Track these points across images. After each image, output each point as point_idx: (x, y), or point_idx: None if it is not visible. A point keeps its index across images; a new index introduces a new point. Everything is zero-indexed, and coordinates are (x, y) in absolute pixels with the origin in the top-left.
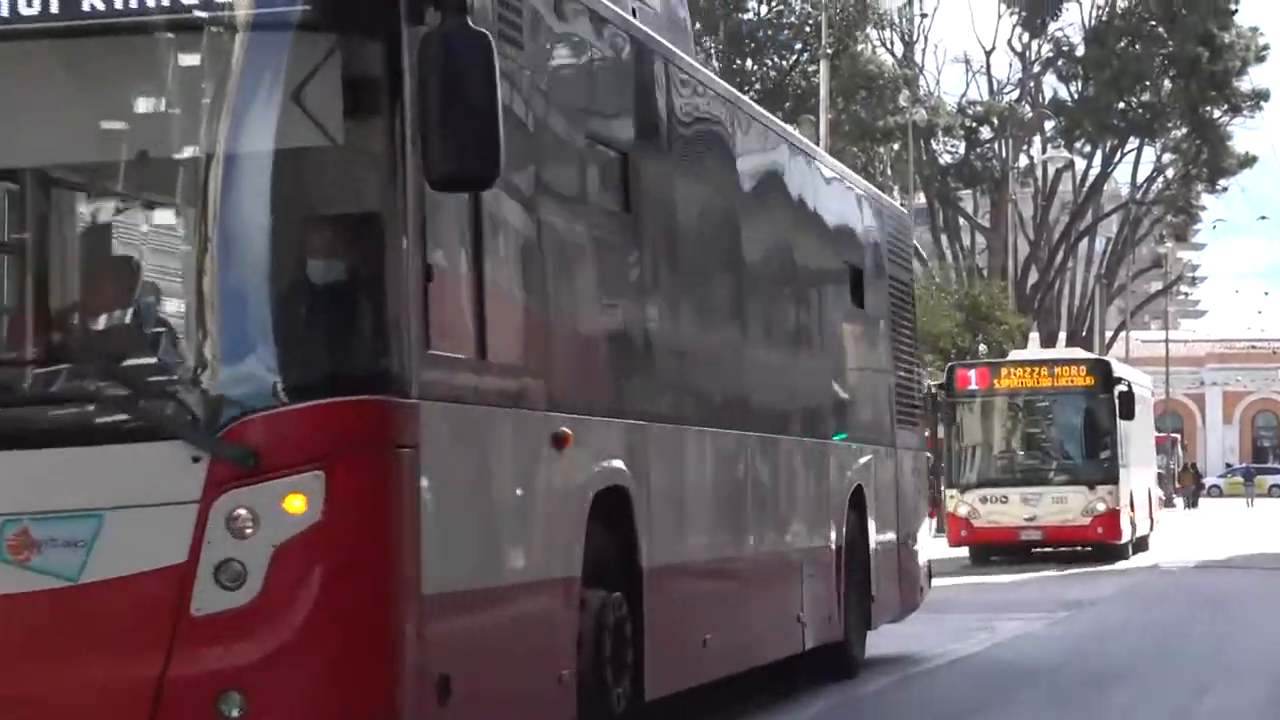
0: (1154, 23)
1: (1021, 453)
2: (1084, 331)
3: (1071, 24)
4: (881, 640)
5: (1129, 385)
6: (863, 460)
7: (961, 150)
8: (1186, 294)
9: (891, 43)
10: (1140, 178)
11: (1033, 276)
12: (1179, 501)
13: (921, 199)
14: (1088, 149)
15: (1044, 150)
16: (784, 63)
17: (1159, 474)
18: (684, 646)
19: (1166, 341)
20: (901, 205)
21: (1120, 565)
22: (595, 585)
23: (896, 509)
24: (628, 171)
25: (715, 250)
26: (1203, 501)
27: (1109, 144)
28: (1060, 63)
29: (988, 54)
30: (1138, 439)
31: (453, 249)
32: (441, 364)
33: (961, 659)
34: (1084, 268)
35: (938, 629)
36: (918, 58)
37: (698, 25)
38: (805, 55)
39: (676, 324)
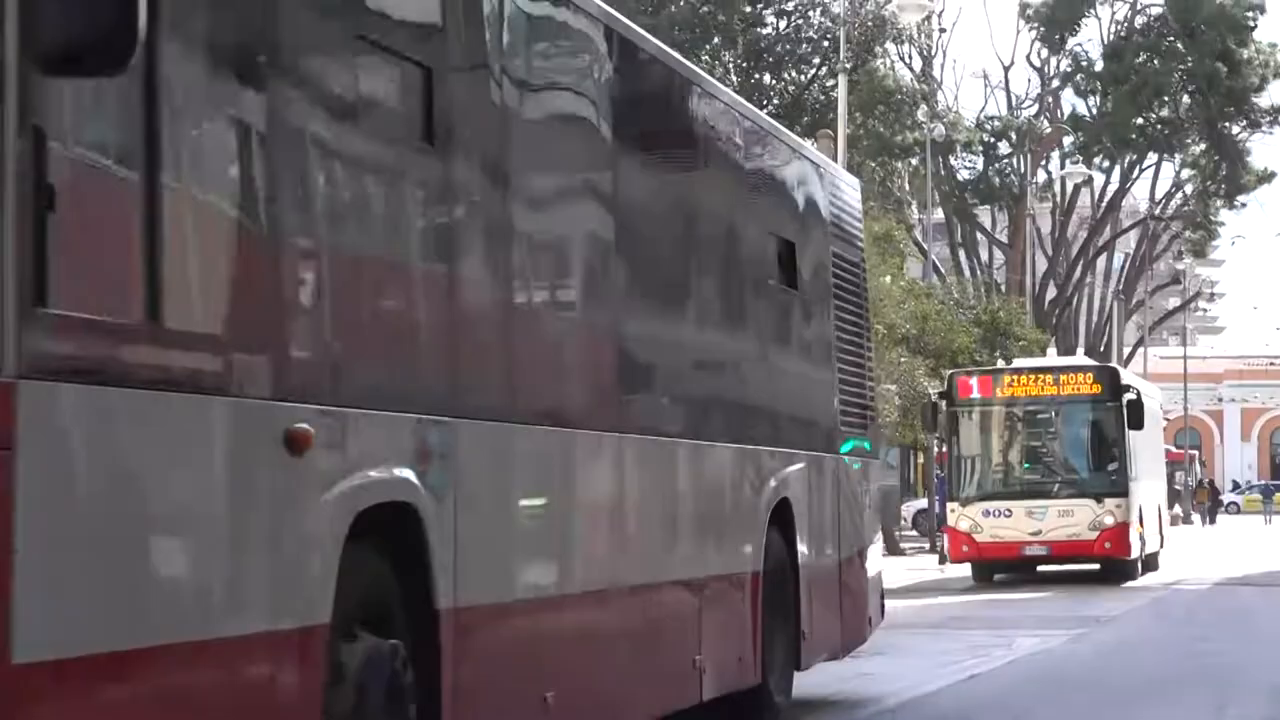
0: (1172, 38)
1: (1025, 464)
2: (1102, 347)
3: (1090, 39)
4: (880, 663)
5: (1138, 394)
6: (790, 469)
7: (980, 166)
8: (1205, 310)
9: (910, 58)
10: (1159, 193)
11: (1051, 292)
12: (1196, 518)
13: (940, 214)
14: (1106, 164)
15: (1062, 166)
16: (802, 77)
17: (1176, 490)
18: (509, 708)
19: (1185, 358)
20: (919, 221)
21: (1131, 585)
22: (360, 633)
23: (837, 526)
24: (431, 90)
25: (565, 202)
26: (1220, 518)
27: (1127, 159)
28: (1079, 78)
29: (1006, 69)
30: (1147, 451)
31: (102, 164)
32: (68, 329)
33: (932, 693)
34: (1102, 283)
35: (950, 644)
36: (936, 73)
37: (716, 40)
38: (824, 70)
39: (502, 290)
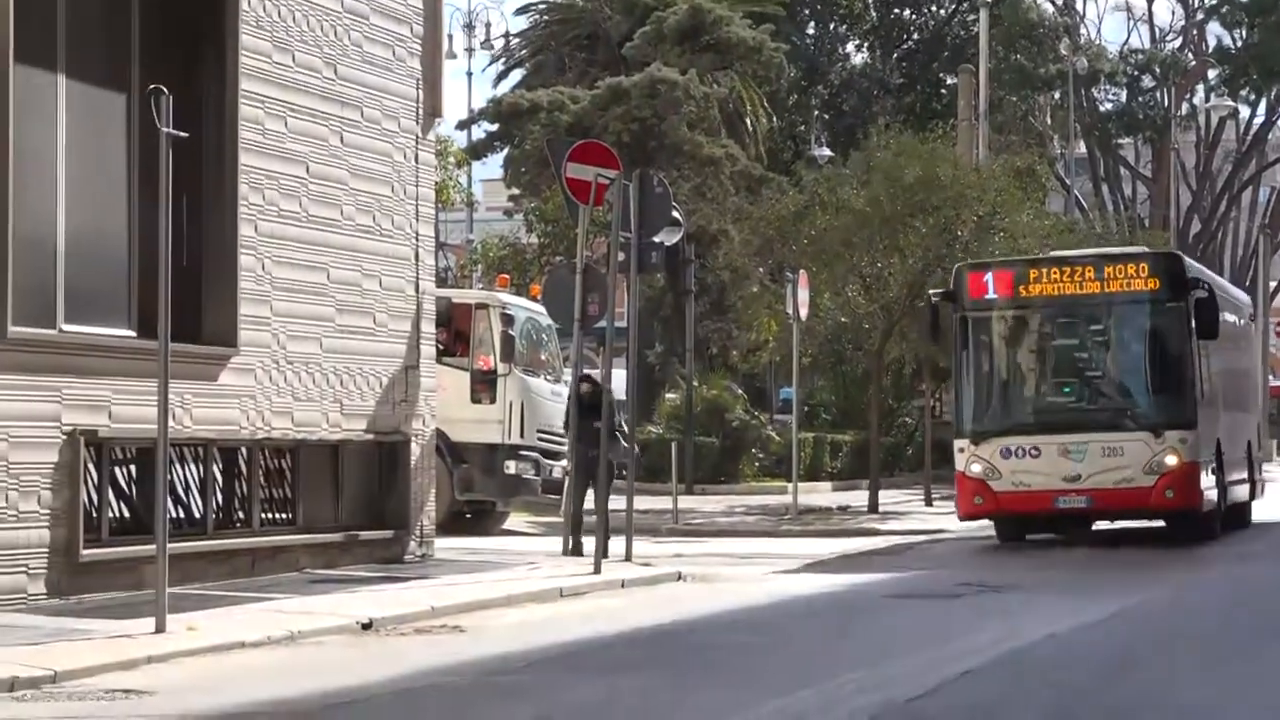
0: None
1: (1059, 387)
2: (1247, 281)
3: None
4: None
5: (1210, 290)
6: None
7: (1123, 99)
8: None
9: None
10: None
11: (1195, 226)
12: None
13: (1082, 148)
14: (1252, 97)
15: (1207, 98)
16: (943, 12)
17: None
18: None
19: None
20: (1061, 155)
21: (1208, 549)
22: None
23: None
24: None
25: None
26: None
27: (1274, 91)
28: (1224, 9)
29: (1150, 1)
30: (1231, 370)
31: None
32: None
33: None
34: (1247, 217)
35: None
36: (1078, 5)
37: None
38: (965, 4)
39: None
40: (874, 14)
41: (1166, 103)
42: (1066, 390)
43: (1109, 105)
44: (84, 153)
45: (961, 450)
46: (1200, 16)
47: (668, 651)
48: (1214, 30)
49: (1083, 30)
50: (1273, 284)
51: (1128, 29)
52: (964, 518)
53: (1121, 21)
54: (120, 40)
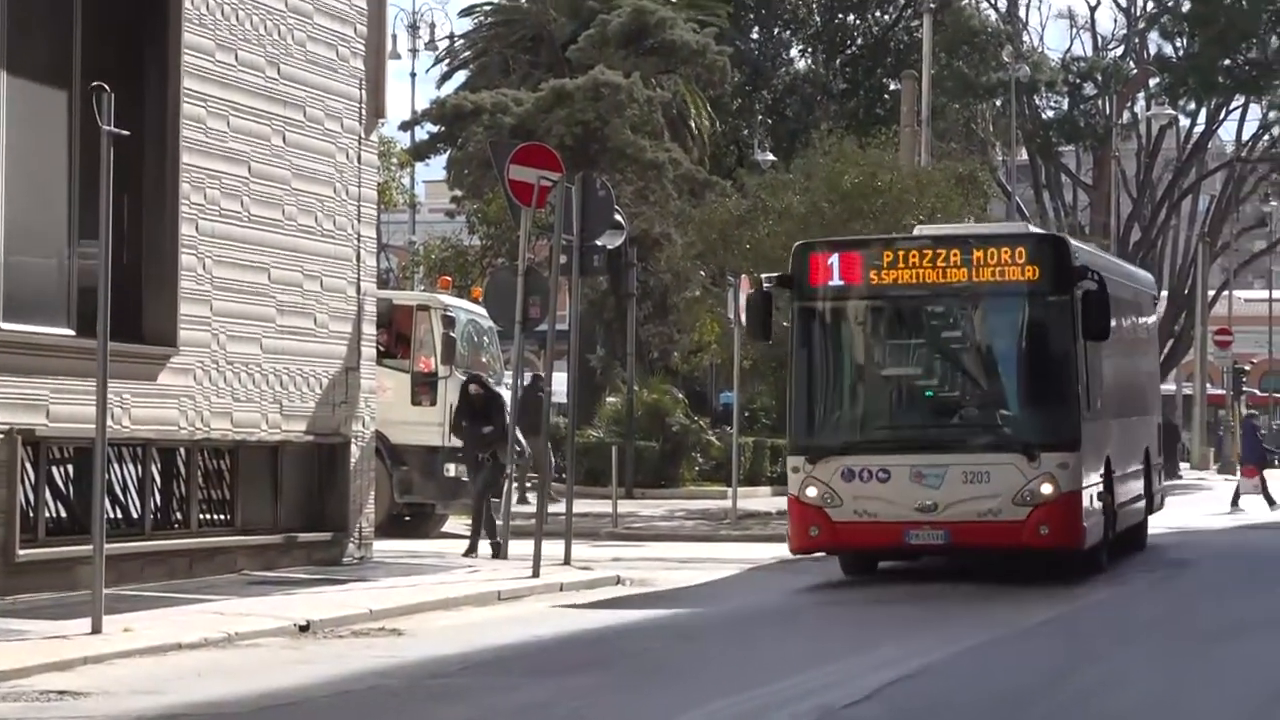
0: None
1: (914, 397)
2: (1186, 290)
3: None
4: None
5: (1100, 281)
6: None
7: (1064, 106)
8: None
9: None
10: (1245, 135)
11: (1135, 234)
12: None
13: (1023, 156)
14: (1192, 106)
15: (1148, 107)
16: (886, 17)
17: (1263, 435)
18: None
19: (1270, 301)
20: (1003, 162)
21: (1088, 585)
22: None
23: None
24: None
25: None
26: None
27: (1214, 101)
28: (1165, 19)
29: (1092, 9)
30: (1125, 368)
31: None
32: None
33: None
34: (1187, 226)
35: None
36: (1021, 13)
37: None
38: (909, 10)
39: None
40: (818, 19)
41: (1108, 111)
42: (923, 400)
43: (1050, 113)
44: (23, 150)
45: (795, 470)
46: (1142, 26)
47: (605, 655)
48: (1155, 39)
49: (1025, 37)
50: (1211, 292)
51: (1070, 37)
52: (797, 552)
53: (1064, 29)
54: (61, 37)
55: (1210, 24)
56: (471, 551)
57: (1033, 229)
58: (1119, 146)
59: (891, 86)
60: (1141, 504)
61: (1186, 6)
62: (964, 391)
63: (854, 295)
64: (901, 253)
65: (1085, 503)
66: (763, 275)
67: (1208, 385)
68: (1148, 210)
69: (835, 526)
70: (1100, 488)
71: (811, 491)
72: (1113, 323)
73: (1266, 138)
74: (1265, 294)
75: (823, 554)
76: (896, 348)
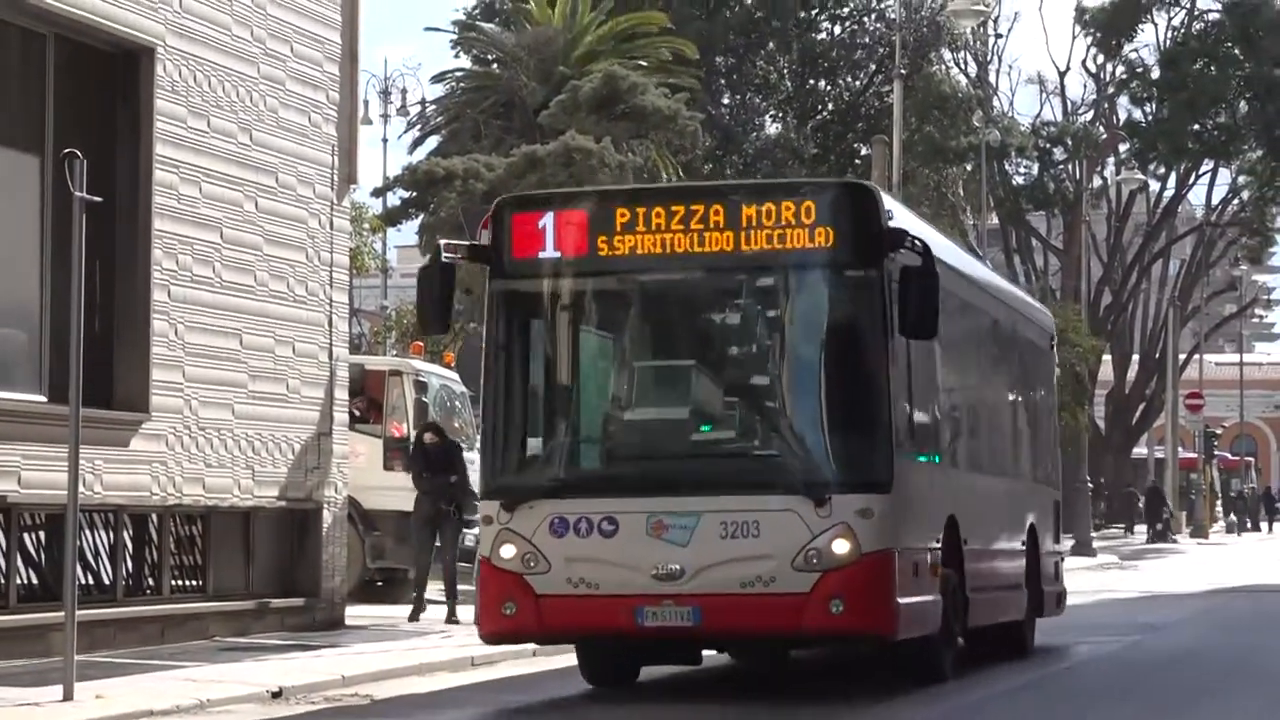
0: (1230, 44)
1: (653, 415)
2: (1157, 354)
3: (1146, 45)
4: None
5: (925, 251)
6: None
7: (1035, 171)
8: (1261, 316)
9: (965, 63)
10: (1215, 200)
11: (1106, 298)
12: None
13: (994, 220)
14: (1162, 171)
15: (1118, 172)
16: (857, 83)
17: (1234, 496)
18: None
19: (1240, 365)
20: (973, 226)
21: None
22: None
23: None
24: None
25: None
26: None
27: (1184, 166)
28: (1135, 84)
29: (1062, 75)
30: (988, 399)
31: None
32: None
33: None
34: (1158, 290)
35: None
36: (991, 78)
37: (771, 45)
38: (879, 76)
39: None
40: (789, 85)
41: (1078, 175)
42: (667, 421)
43: (1020, 178)
44: None
45: (488, 519)
46: (1111, 91)
47: None
48: (1124, 105)
49: (995, 102)
50: (1181, 356)
51: (1040, 102)
52: (489, 638)
53: (1034, 95)
54: (34, 103)
55: (1179, 90)
56: (451, 618)
57: (816, 179)
58: (1089, 211)
59: (862, 151)
60: (1020, 596)
61: (1156, 73)
62: (725, 408)
63: (574, 272)
64: (642, 211)
65: (903, 571)
66: (442, 241)
67: (1179, 449)
68: (1118, 274)
69: (540, 603)
70: (935, 556)
71: (509, 551)
72: (985, 345)
73: (1236, 202)
74: (1236, 358)
75: (532, 644)
76: (632, 346)
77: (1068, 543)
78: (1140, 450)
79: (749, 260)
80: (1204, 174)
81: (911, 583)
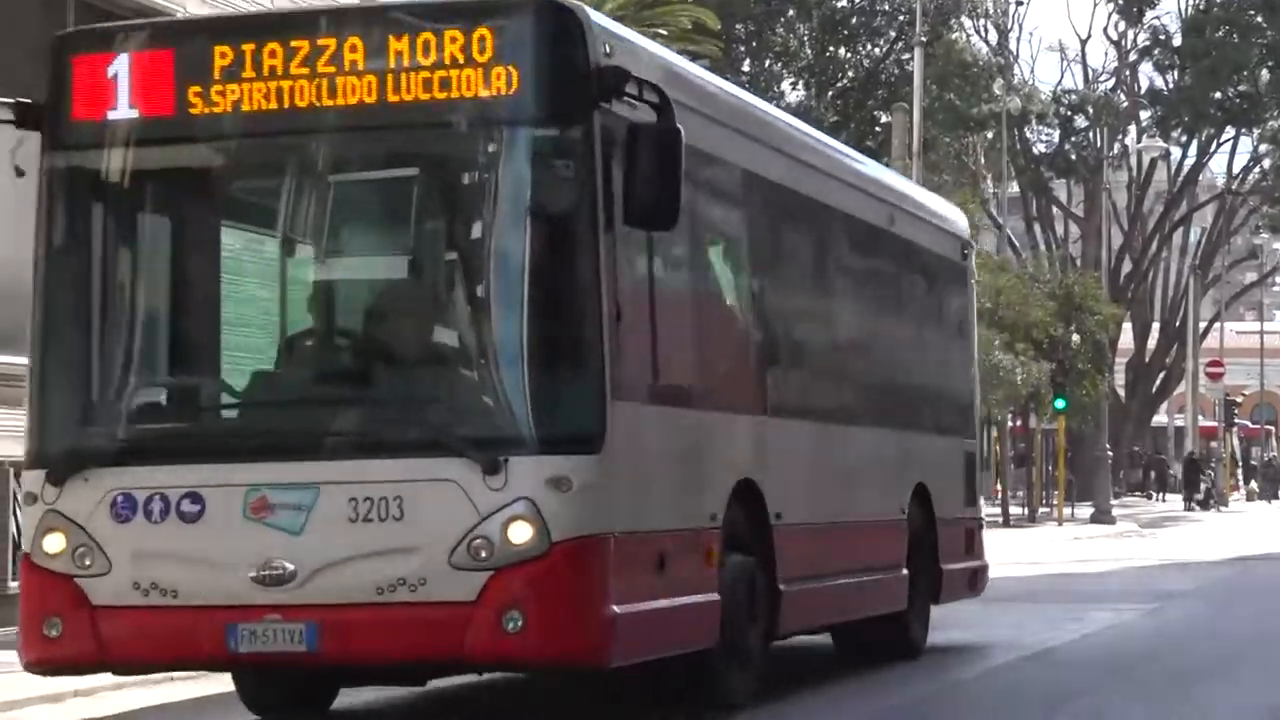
0: (1252, 12)
1: (260, 347)
2: (1177, 322)
3: (1169, 13)
4: None
5: (662, 101)
6: None
7: (1056, 139)
8: None
9: (986, 31)
10: (1236, 168)
11: (1126, 266)
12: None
13: (1015, 188)
14: (1183, 139)
15: (1139, 140)
16: (877, 50)
17: (1253, 466)
18: None
19: (1261, 333)
20: (994, 194)
21: None
22: None
23: None
24: None
25: None
26: None
27: (1205, 134)
28: (1157, 52)
29: (1083, 43)
30: (846, 335)
31: None
32: None
33: None
34: (1178, 258)
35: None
36: (1012, 46)
37: (791, 12)
38: (899, 43)
39: None
40: (809, 52)
41: (1099, 143)
42: (278, 355)
43: (1041, 146)
44: None
45: (32, 498)
46: (1133, 58)
47: None
48: (1146, 72)
49: (1016, 70)
50: (1202, 324)
51: (1061, 70)
52: (34, 668)
53: (1055, 62)
54: None
55: (1201, 57)
56: None
57: None
58: (1110, 179)
59: (883, 119)
60: (897, 581)
61: (1178, 40)
62: (361, 337)
63: (155, 139)
64: (250, 49)
65: (629, 565)
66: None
67: (1199, 417)
68: (1139, 242)
69: (97, 619)
70: (713, 538)
71: (54, 544)
72: (830, 249)
73: (1257, 170)
74: (1257, 326)
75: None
76: (224, 254)
77: (1083, 510)
78: (1160, 418)
79: (397, 116)
80: (1225, 142)
81: (649, 581)
